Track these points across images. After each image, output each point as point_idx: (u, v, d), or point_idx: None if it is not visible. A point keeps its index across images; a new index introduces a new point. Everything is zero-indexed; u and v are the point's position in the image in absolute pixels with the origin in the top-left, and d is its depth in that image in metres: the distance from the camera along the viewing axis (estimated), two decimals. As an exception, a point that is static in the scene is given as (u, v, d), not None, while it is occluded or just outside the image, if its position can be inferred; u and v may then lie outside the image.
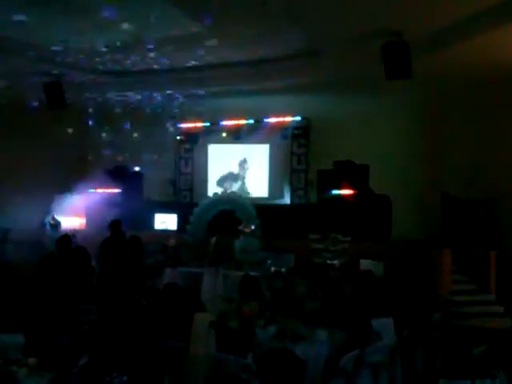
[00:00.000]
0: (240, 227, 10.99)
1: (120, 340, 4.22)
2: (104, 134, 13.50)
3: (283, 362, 3.40)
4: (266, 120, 13.91)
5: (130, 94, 12.53)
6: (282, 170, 14.09)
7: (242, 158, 14.46)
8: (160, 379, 4.25)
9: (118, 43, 9.55)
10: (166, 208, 13.26)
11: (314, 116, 13.38)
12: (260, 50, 9.99)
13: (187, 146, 15.14)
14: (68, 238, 8.67)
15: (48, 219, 12.58)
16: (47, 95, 11.06)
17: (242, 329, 5.28)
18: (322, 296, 6.17)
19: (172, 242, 11.21)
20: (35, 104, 11.83)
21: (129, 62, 10.65)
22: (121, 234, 9.40)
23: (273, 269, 9.54)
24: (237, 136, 14.30)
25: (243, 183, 14.42)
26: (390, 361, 4.30)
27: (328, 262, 9.81)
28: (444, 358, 4.07)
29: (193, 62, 10.73)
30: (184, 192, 15.12)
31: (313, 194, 12.79)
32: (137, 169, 14.15)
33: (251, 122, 14.09)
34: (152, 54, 10.11)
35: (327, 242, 10.09)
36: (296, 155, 13.94)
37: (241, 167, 14.48)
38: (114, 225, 9.47)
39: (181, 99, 13.02)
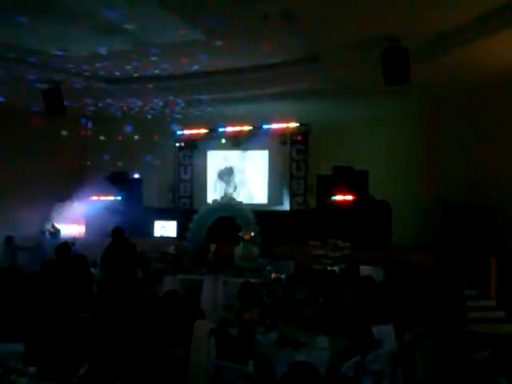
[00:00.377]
0: (240, 234, 10.99)
1: (120, 348, 4.21)
2: (103, 141, 13.53)
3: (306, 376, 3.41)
4: (265, 126, 13.93)
5: (130, 100, 12.53)
6: (282, 177, 14.09)
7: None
8: (161, 387, 4.24)
9: (118, 49, 9.56)
10: (165, 215, 13.26)
11: (313, 122, 13.38)
12: (259, 56, 9.99)
13: (187, 152, 15.15)
14: (67, 245, 8.66)
15: (47, 227, 12.58)
16: (46, 102, 11.03)
17: (243, 336, 5.27)
18: (323, 302, 6.16)
19: (171, 249, 11.20)
20: (35, 110, 11.83)
21: (129, 68, 10.66)
22: (125, 240, 9.33)
23: (273, 275, 9.53)
24: (236, 142, 14.31)
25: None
26: (391, 367, 4.29)
27: (328, 268, 9.80)
28: (445, 364, 4.06)
29: (193, 69, 10.75)
30: (183, 199, 15.11)
31: (312, 200, 12.79)
32: (136, 175, 14.15)
33: (251, 128, 14.11)
34: (152, 61, 10.12)
35: (327, 248, 10.08)
36: (295, 161, 13.94)
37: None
38: (117, 232, 9.41)
39: (181, 105, 13.04)
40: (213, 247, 11.03)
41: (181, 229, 12.55)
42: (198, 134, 14.77)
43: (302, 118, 13.53)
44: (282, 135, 13.92)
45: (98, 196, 13.19)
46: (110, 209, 12.58)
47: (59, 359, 4.39)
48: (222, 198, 13.04)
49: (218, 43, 9.10)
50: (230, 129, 14.24)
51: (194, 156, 15.06)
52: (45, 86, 10.92)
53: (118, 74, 11.12)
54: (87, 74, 11.00)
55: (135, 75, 11.20)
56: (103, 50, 9.57)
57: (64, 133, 12.98)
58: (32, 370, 4.29)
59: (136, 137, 13.73)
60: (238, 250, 10.83)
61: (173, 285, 9.94)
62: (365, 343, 4.58)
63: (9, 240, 11.26)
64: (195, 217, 12.24)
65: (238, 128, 14.16)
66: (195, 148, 15.00)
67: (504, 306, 9.05)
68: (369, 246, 10.07)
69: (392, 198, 10.87)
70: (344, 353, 4.62)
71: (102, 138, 13.49)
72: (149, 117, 13.12)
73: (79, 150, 13.68)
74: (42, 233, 12.57)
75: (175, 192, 15.09)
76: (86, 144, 13.41)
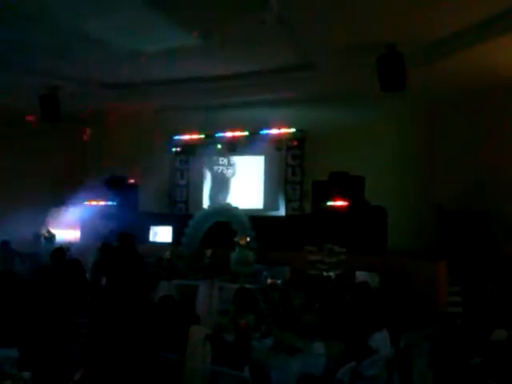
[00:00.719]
0: (235, 239, 10.97)
1: (115, 353, 4.19)
2: (99, 146, 13.52)
3: None
4: (261, 132, 13.94)
5: (126, 105, 12.52)
6: (277, 182, 14.09)
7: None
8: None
9: (115, 55, 9.57)
10: (161, 220, 13.22)
11: (309, 128, 13.39)
12: (256, 62, 10.03)
13: (183, 157, 15.14)
14: (62, 250, 8.65)
15: (43, 232, 12.54)
16: (42, 108, 11.02)
17: (238, 341, 5.26)
18: (319, 308, 6.16)
19: (167, 254, 11.17)
20: (31, 116, 11.83)
21: (126, 73, 10.67)
22: (131, 245, 9.27)
23: (269, 281, 9.51)
24: (232, 148, 14.32)
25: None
26: (387, 373, 4.29)
27: (324, 273, 9.78)
28: (440, 370, 4.07)
29: (189, 74, 10.76)
30: (179, 204, 15.10)
31: (308, 206, 12.79)
32: (132, 181, 14.13)
33: (247, 134, 14.12)
34: (149, 66, 10.13)
35: (322, 253, 10.07)
36: (291, 167, 13.94)
37: None
38: (123, 237, 9.33)
39: (177, 111, 13.04)
40: (208, 252, 11.00)
41: (176, 234, 12.52)
42: (195, 139, 14.78)
43: (298, 124, 13.54)
44: (278, 141, 13.93)
45: (94, 201, 13.16)
46: (106, 214, 12.56)
47: (54, 364, 4.37)
48: (217, 203, 13.03)
49: (215, 49, 9.12)
50: (226, 134, 14.25)
51: (190, 161, 15.06)
52: (41, 92, 10.90)
53: (114, 79, 11.13)
54: (83, 78, 11.00)
55: (132, 80, 11.22)
56: (100, 56, 9.58)
57: (60, 138, 12.94)
58: (26, 375, 4.27)
59: (132, 142, 13.72)
60: (234, 255, 10.80)
61: (168, 290, 9.92)
62: (360, 349, 4.58)
63: (5, 244, 11.21)
64: (191, 222, 12.22)
65: (234, 134, 14.17)
66: (191, 153, 15.00)
67: (499, 311, 9.07)
68: (364, 252, 10.06)
69: (388, 203, 10.87)
70: (340, 358, 4.61)
71: (97, 143, 13.48)
72: (145, 122, 13.11)
73: (75, 154, 13.66)
74: (38, 237, 12.52)
75: (171, 197, 15.07)
76: (81, 149, 13.38)
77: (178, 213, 14.73)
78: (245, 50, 9.26)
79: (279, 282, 9.26)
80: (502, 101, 10.74)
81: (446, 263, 9.45)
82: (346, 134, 12.32)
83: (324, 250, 10.03)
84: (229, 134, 14.22)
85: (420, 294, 8.62)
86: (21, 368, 4.38)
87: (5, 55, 9.52)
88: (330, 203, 11.03)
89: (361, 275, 9.38)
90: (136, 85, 11.41)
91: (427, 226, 10.88)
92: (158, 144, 14.33)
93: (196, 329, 5.05)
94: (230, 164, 14.58)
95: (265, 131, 13.88)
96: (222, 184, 14.66)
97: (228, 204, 12.83)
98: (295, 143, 13.82)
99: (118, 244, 9.22)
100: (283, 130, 13.75)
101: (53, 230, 12.69)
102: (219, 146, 14.47)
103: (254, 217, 12.01)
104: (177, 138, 14.86)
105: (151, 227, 12.97)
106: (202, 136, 14.64)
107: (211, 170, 14.81)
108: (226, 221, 11.83)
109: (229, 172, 14.57)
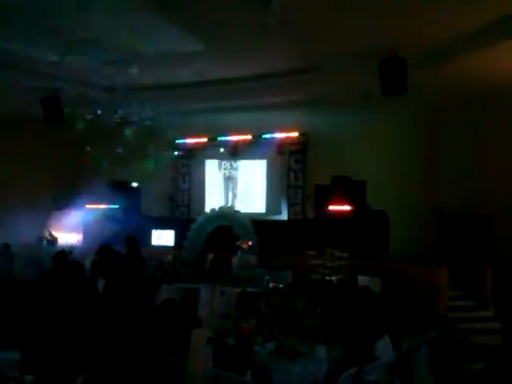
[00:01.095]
0: (237, 243, 10.96)
1: (117, 357, 4.19)
2: (102, 149, 13.51)
3: None
4: (263, 136, 13.95)
5: (128, 108, 12.54)
6: (280, 186, 14.10)
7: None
8: (158, 396, 4.22)
9: (117, 58, 9.59)
10: (163, 224, 13.24)
11: (311, 132, 13.42)
12: (258, 66, 10.04)
13: (185, 161, 15.16)
14: (64, 253, 8.65)
15: (45, 235, 12.56)
16: (45, 110, 11.04)
17: (240, 345, 5.25)
18: (321, 313, 6.14)
19: (169, 257, 11.17)
20: (33, 118, 11.84)
21: (128, 76, 10.68)
22: (136, 248, 9.26)
23: (271, 285, 9.51)
24: (235, 152, 14.33)
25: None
26: (389, 378, 4.28)
27: (326, 278, 9.78)
28: (442, 375, 4.06)
29: (191, 78, 10.77)
30: (181, 208, 15.11)
31: (310, 210, 12.79)
32: (134, 184, 14.14)
33: (249, 137, 14.13)
34: (151, 69, 10.15)
35: (324, 258, 10.07)
36: (293, 171, 13.96)
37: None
38: (129, 240, 9.32)
39: (180, 114, 13.05)
40: (210, 256, 11.01)
41: (178, 238, 12.53)
42: (197, 143, 14.81)
43: (300, 128, 13.56)
44: (281, 145, 13.94)
45: (96, 204, 13.18)
46: (108, 217, 12.57)
47: (56, 368, 4.37)
48: (219, 207, 13.03)
49: (218, 53, 9.14)
50: (228, 138, 14.26)
51: (193, 165, 15.09)
52: (43, 94, 10.92)
53: (116, 82, 11.15)
54: (85, 82, 11.03)
55: (134, 84, 11.23)
56: (102, 59, 9.61)
57: (62, 141, 12.97)
58: (28, 378, 4.28)
59: (134, 146, 13.73)
60: (236, 259, 10.80)
61: (169, 293, 9.91)
62: (362, 354, 4.58)
63: (5, 248, 11.23)
64: (193, 226, 12.22)
65: (236, 137, 14.18)
66: (194, 157, 15.03)
67: (501, 317, 9.06)
68: (366, 256, 10.06)
69: (389, 207, 10.87)
70: (342, 363, 4.61)
71: (100, 146, 13.48)
72: (147, 125, 13.12)
73: (77, 157, 13.68)
74: (40, 240, 12.54)
75: (173, 201, 15.08)
76: (84, 152, 13.39)
77: (180, 216, 14.74)
78: (248, 54, 9.28)
79: (281, 286, 9.25)
80: (503, 105, 10.75)
81: (447, 268, 9.44)
82: (348, 138, 12.34)
83: (325, 255, 10.03)
84: (231, 138, 14.23)
85: (421, 299, 8.61)
86: (23, 371, 4.38)
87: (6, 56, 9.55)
88: (331, 207, 11.03)
89: (363, 280, 9.38)
90: (137, 88, 11.41)
91: (428, 231, 10.87)
92: (160, 147, 14.34)
93: (198, 332, 5.05)
94: (232, 168, 14.59)
95: (267, 135, 13.90)
96: (223, 188, 14.68)
97: (230, 208, 12.84)
98: (297, 147, 13.83)
99: (126, 247, 9.23)
100: (285, 134, 13.76)
101: (55, 233, 12.70)
102: (222, 150, 14.49)
103: (256, 221, 12.02)
104: (179, 141, 14.89)
105: (153, 231, 12.99)
106: (205, 140, 14.67)
107: (213, 173, 14.83)
108: (228, 225, 11.83)
109: (230, 176, 14.59)
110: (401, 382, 4.79)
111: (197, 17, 7.81)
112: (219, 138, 14.41)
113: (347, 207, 10.98)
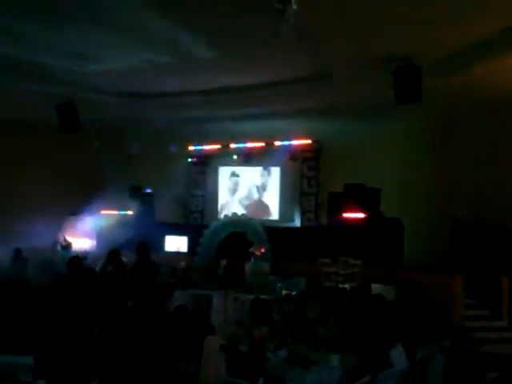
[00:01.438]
0: (251, 250, 10.96)
1: (131, 363, 4.21)
2: (117, 155, 13.60)
3: None
4: (277, 143, 13.97)
5: (144, 115, 12.61)
6: (293, 193, 14.10)
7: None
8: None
9: (132, 65, 9.67)
10: (176, 230, 13.27)
11: (324, 139, 13.42)
12: (271, 73, 10.06)
13: (199, 168, 15.22)
14: (79, 259, 8.69)
15: (59, 240, 12.64)
16: (60, 117, 11.07)
17: (253, 353, 5.25)
18: (334, 321, 6.12)
19: (182, 264, 11.19)
20: (48, 124, 11.91)
21: (143, 83, 10.75)
22: (146, 256, 9.28)
23: (284, 292, 9.50)
24: (248, 159, 14.36)
25: None
26: (402, 387, 4.25)
27: (339, 285, 9.74)
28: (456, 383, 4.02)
29: (205, 86, 10.82)
30: (195, 214, 15.16)
31: (323, 217, 12.76)
32: (149, 190, 14.20)
33: (262, 144, 14.16)
34: (166, 76, 10.20)
35: (337, 265, 10.03)
36: (306, 178, 13.96)
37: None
38: (141, 247, 9.34)
39: (194, 121, 13.10)
40: (223, 263, 11.01)
41: (192, 244, 12.55)
42: (211, 149, 14.87)
43: (313, 135, 13.56)
44: (294, 152, 13.95)
45: (110, 210, 13.25)
46: (122, 223, 12.63)
47: (69, 373, 4.39)
48: (233, 213, 13.05)
49: (230, 61, 9.18)
50: (242, 145, 14.30)
51: (207, 172, 15.14)
52: (58, 101, 10.98)
53: (132, 88, 11.22)
54: (101, 88, 11.10)
55: (149, 90, 11.30)
56: (118, 66, 9.68)
57: (77, 146, 13.07)
58: (41, 383, 4.30)
59: (149, 152, 13.80)
60: (249, 265, 10.80)
61: (183, 300, 9.93)
62: (376, 362, 4.55)
63: (17, 252, 11.31)
64: (206, 232, 12.24)
65: (250, 144, 14.22)
66: (207, 164, 15.09)
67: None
68: (380, 264, 10.01)
69: (403, 215, 10.82)
70: (355, 371, 4.59)
71: (115, 152, 13.57)
72: (161, 132, 13.18)
73: (92, 163, 13.76)
74: (54, 246, 12.63)
75: (187, 207, 15.13)
76: (98, 158, 13.46)
77: (194, 223, 14.77)
78: (261, 62, 9.29)
79: (294, 293, 9.23)
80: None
81: (462, 276, 9.37)
82: (361, 146, 12.33)
83: (339, 262, 9.99)
84: (245, 145, 14.27)
85: (435, 308, 8.55)
86: (36, 376, 4.40)
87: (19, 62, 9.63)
88: (345, 215, 11.01)
89: (376, 288, 9.33)
90: (153, 95, 11.47)
91: (443, 239, 10.81)
92: (174, 154, 14.41)
93: (211, 339, 5.05)
94: (245, 175, 14.63)
95: (280, 142, 13.91)
96: (237, 195, 14.71)
97: (243, 214, 12.85)
98: (311, 154, 13.83)
99: (136, 253, 9.25)
100: (299, 142, 13.77)
101: (69, 239, 12.79)
102: (235, 157, 14.53)
103: (269, 228, 12.02)
104: (193, 148, 14.95)
105: (167, 237, 13.02)
106: (219, 146, 14.72)
107: (227, 180, 14.87)
108: (242, 231, 11.84)
109: (244, 183, 14.62)
110: (414, 391, 4.76)
111: (209, 25, 7.84)
112: (233, 145, 14.45)
113: (361, 215, 10.95)
